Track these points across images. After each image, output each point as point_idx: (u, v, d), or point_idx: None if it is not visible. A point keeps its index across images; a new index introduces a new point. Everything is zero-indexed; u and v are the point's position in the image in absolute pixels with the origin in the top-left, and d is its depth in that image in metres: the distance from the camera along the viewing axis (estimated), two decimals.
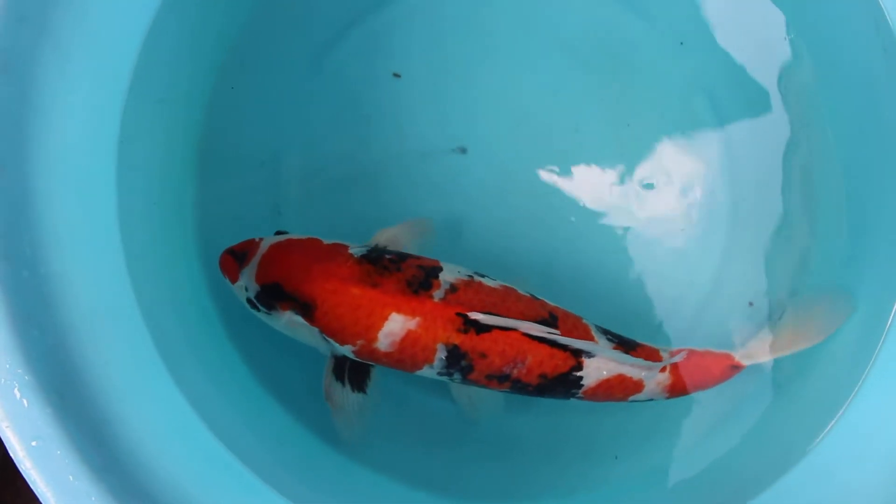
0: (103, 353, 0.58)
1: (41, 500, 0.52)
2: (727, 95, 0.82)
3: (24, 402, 0.53)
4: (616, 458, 0.77)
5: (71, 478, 0.52)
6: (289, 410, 0.74)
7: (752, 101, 0.81)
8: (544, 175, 0.82)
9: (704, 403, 0.76)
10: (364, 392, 0.71)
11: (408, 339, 0.65)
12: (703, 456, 0.75)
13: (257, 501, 0.62)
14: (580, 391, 0.69)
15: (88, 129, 0.63)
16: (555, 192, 0.82)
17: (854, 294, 0.71)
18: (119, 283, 0.63)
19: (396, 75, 0.82)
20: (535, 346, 0.65)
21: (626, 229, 0.82)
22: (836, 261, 0.76)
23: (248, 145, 0.80)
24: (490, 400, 0.73)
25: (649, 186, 0.82)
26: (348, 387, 0.70)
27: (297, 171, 0.81)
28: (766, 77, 0.81)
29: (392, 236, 0.72)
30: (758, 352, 0.73)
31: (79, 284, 0.59)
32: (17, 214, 0.57)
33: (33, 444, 0.52)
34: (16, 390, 0.53)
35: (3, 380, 0.53)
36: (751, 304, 0.80)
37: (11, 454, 0.52)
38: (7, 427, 0.52)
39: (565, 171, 0.82)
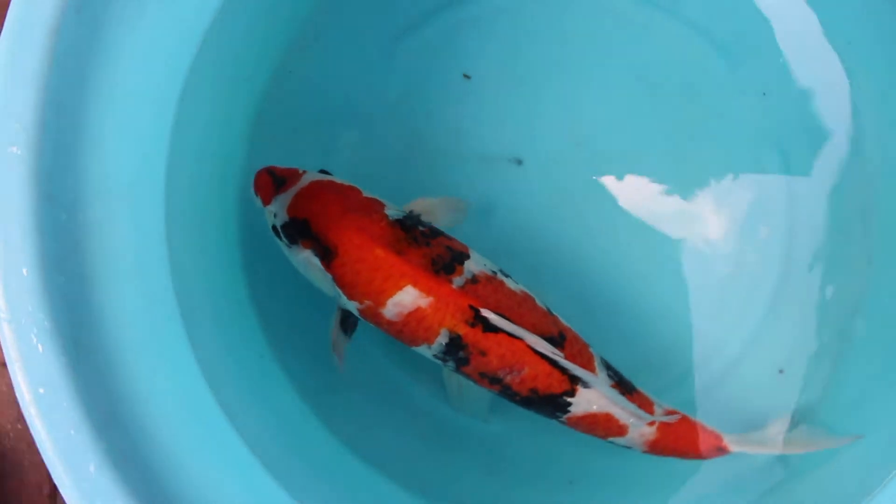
0: (126, 310, 0.57)
1: (39, 448, 0.52)
2: (800, 153, 0.80)
3: (40, 347, 0.52)
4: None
5: (72, 431, 0.52)
6: (296, 388, 0.74)
7: (824, 164, 0.79)
8: (595, 200, 0.80)
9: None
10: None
11: (415, 314, 0.64)
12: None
13: (258, 483, 0.62)
14: (564, 416, 0.68)
15: (152, 83, 0.62)
16: (603, 217, 0.80)
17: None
18: (154, 242, 0.62)
19: (466, 76, 0.81)
20: (535, 360, 0.64)
21: (669, 268, 0.80)
22: (880, 349, 0.74)
23: (305, 119, 0.79)
24: (478, 398, 0.72)
25: (701, 229, 0.80)
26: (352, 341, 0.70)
27: (349, 152, 0.80)
28: (842, 142, 0.79)
29: (428, 206, 0.71)
30: (750, 443, 0.71)
31: (114, 236, 0.58)
32: (66, 156, 0.56)
33: (41, 390, 0.52)
34: (33, 334, 0.52)
35: (23, 321, 0.52)
36: (781, 371, 0.78)
37: (18, 397, 0.52)
38: (19, 369, 0.52)
39: (618, 200, 0.80)
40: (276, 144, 0.78)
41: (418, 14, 0.80)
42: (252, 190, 0.68)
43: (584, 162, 0.81)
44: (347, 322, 0.69)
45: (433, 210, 0.71)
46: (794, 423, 0.73)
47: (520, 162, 0.81)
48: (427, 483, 0.75)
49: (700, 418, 0.73)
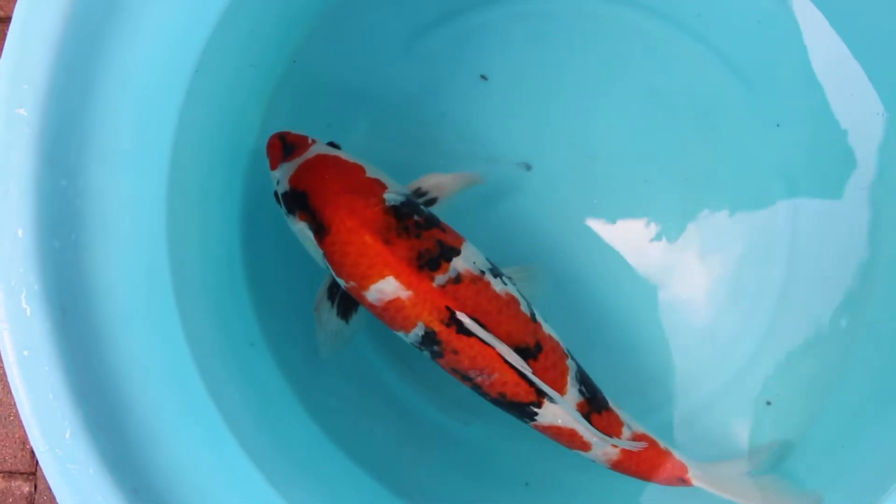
0: (118, 281, 0.58)
1: (19, 409, 0.52)
2: (807, 189, 0.79)
3: (27, 309, 0.53)
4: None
5: (51, 396, 0.52)
6: (284, 375, 0.74)
7: (832, 202, 0.79)
8: (598, 213, 0.80)
9: None
10: (346, 321, 0.71)
11: (394, 304, 0.65)
12: None
13: (233, 461, 0.62)
14: (531, 422, 0.69)
15: (167, 56, 0.62)
16: (604, 234, 0.80)
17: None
18: (153, 215, 0.62)
19: (483, 78, 0.80)
20: (505, 368, 0.65)
21: (666, 291, 0.80)
22: (868, 391, 0.73)
23: (318, 105, 0.79)
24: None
25: (702, 254, 0.80)
26: (335, 310, 0.70)
27: (359, 142, 0.80)
28: (853, 182, 0.78)
29: (439, 183, 0.71)
30: (713, 481, 0.71)
31: (113, 206, 0.59)
32: (73, 121, 0.56)
33: (25, 353, 0.52)
34: (23, 297, 0.53)
35: (13, 282, 0.53)
36: (768, 403, 0.78)
37: (3, 357, 0.52)
38: (5, 329, 0.52)
39: (621, 217, 0.80)
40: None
41: (441, 13, 0.80)
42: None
43: (591, 175, 0.81)
44: (333, 293, 0.70)
45: (445, 187, 0.71)
46: (766, 466, 0.73)
47: (529, 167, 0.80)
48: (405, 481, 0.75)
49: (679, 444, 0.72)
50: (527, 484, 0.77)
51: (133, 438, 0.56)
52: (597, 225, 0.80)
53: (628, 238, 0.80)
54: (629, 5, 0.80)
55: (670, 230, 0.80)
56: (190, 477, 0.58)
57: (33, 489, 0.95)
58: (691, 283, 0.80)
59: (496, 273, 0.68)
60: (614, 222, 0.80)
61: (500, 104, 0.80)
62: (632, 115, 0.81)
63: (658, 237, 0.80)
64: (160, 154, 0.63)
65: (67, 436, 0.52)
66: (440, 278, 0.64)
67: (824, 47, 0.77)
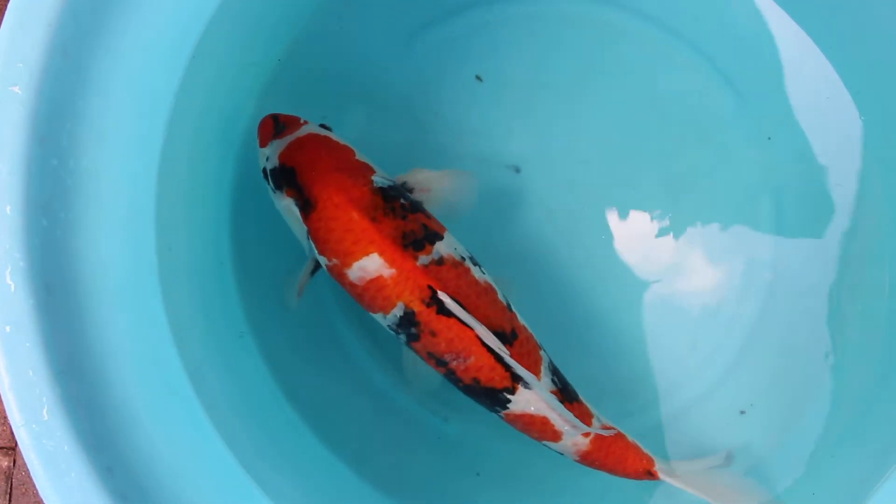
0: (103, 261, 0.58)
1: None
2: (794, 205, 0.80)
3: (11, 285, 0.53)
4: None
5: (31, 372, 0.53)
6: (268, 365, 0.74)
7: (817, 218, 0.79)
8: (586, 220, 0.81)
9: None
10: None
11: (376, 282, 0.65)
12: None
13: (210, 445, 0.62)
14: (502, 411, 0.69)
15: (165, 40, 0.62)
16: (591, 238, 0.81)
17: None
18: (143, 198, 0.62)
19: (479, 78, 0.81)
20: (481, 351, 0.65)
21: (650, 298, 0.81)
22: (843, 404, 0.74)
23: (312, 96, 0.80)
24: (430, 375, 0.72)
25: (687, 263, 0.81)
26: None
27: (351, 136, 0.79)
28: (838, 198, 0.79)
29: (425, 180, 0.71)
30: (680, 476, 0.72)
31: (102, 187, 0.59)
32: (66, 101, 0.57)
33: (7, 328, 0.53)
34: (7, 272, 0.53)
35: None
36: (742, 412, 0.79)
37: None
38: None
39: (608, 223, 0.81)
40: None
41: (441, 11, 0.81)
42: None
43: (581, 180, 0.81)
44: (316, 272, 0.71)
45: (431, 184, 0.71)
46: (733, 467, 0.74)
47: (517, 170, 0.81)
48: (381, 472, 0.76)
49: (654, 447, 0.73)
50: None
51: (110, 418, 0.57)
52: (584, 229, 0.81)
53: (615, 243, 0.81)
54: (629, 12, 0.81)
55: (656, 237, 0.81)
56: (165, 459, 0.58)
57: (12, 464, 0.95)
58: (675, 290, 0.81)
59: (475, 262, 0.69)
60: (601, 227, 0.81)
61: (493, 105, 0.81)
62: (625, 121, 0.81)
63: (644, 243, 0.81)
64: (153, 138, 0.64)
65: (45, 412, 0.53)
66: (423, 258, 0.65)
67: (815, 68, 0.78)
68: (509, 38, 0.81)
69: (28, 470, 0.85)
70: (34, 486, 0.55)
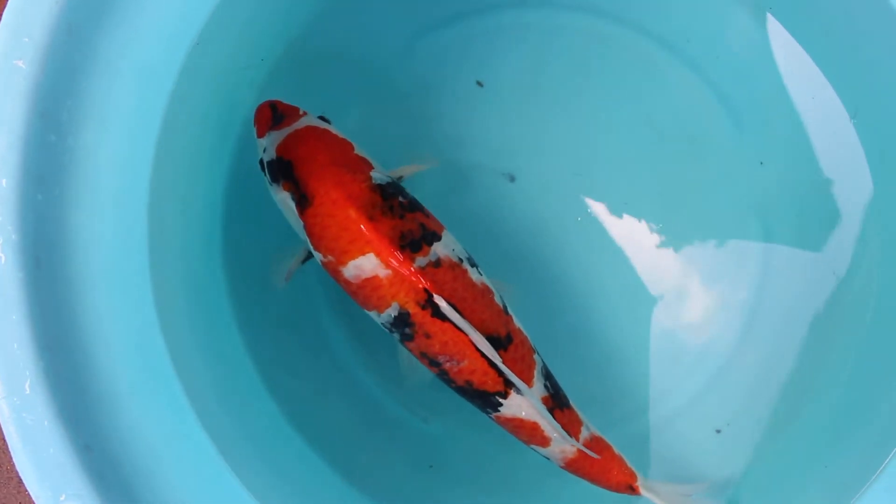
0: (95, 238, 0.58)
1: None
2: (783, 229, 0.81)
3: (2, 257, 0.53)
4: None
5: (16, 345, 0.53)
6: (252, 358, 0.75)
7: (804, 243, 0.80)
8: (578, 231, 0.81)
9: None
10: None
11: (371, 281, 0.65)
12: None
13: (189, 430, 0.63)
14: (493, 413, 0.69)
15: (168, 25, 0.62)
16: (582, 249, 0.82)
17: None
18: (138, 177, 0.62)
19: (480, 84, 0.81)
20: (475, 355, 0.65)
21: (637, 310, 0.82)
22: (820, 426, 0.75)
23: (312, 93, 0.80)
24: (423, 372, 0.72)
25: (675, 280, 0.81)
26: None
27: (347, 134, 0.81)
28: (827, 226, 0.80)
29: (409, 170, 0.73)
30: (661, 496, 0.73)
31: (99, 165, 0.59)
32: (69, 78, 0.57)
33: None
34: None
35: None
36: (718, 431, 0.79)
37: None
38: None
39: (600, 236, 0.81)
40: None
41: (444, 16, 0.81)
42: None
43: (575, 192, 0.82)
44: (307, 261, 0.71)
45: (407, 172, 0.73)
46: (710, 493, 0.75)
47: (512, 178, 0.81)
48: (360, 470, 0.76)
49: (630, 460, 0.74)
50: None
51: (92, 397, 0.57)
52: (575, 241, 0.81)
53: (604, 256, 0.81)
54: (626, 25, 0.81)
55: (645, 252, 0.82)
56: (144, 440, 0.58)
57: None
58: (661, 304, 0.82)
59: (472, 263, 0.69)
60: (591, 240, 0.81)
61: (490, 113, 0.82)
62: (620, 136, 0.82)
63: (633, 258, 0.81)
64: (152, 121, 0.63)
65: (27, 386, 0.53)
66: (420, 260, 0.65)
67: (814, 92, 0.79)
68: (511, 46, 0.82)
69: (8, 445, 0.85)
70: (10, 461, 0.55)
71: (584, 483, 0.73)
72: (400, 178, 0.71)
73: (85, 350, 0.57)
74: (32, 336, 0.54)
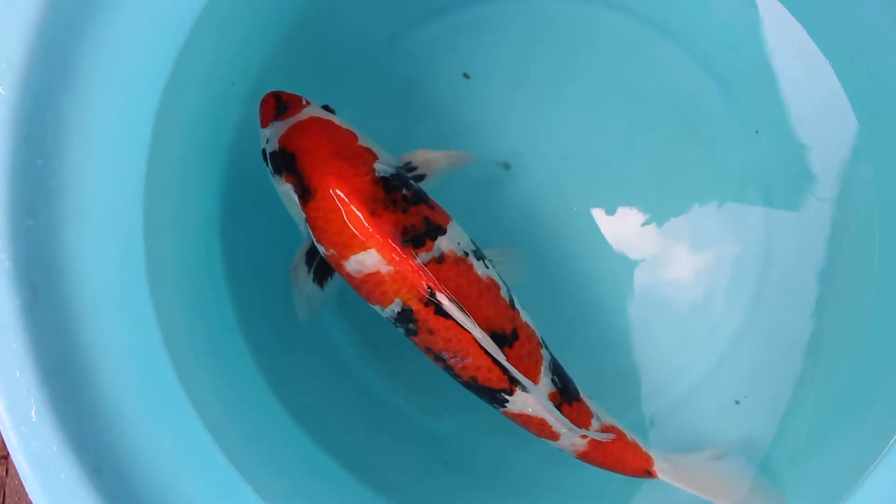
0: (90, 260, 0.58)
1: None
2: (783, 196, 0.80)
3: None
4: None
5: (18, 373, 0.52)
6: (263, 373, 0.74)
7: (806, 209, 0.79)
8: (576, 215, 0.81)
9: None
10: (321, 287, 0.70)
11: (374, 277, 0.64)
12: None
13: (197, 442, 0.62)
14: (500, 409, 0.69)
15: (149, 36, 0.62)
16: (580, 233, 0.81)
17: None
18: (130, 196, 0.62)
19: (466, 76, 0.81)
20: (479, 352, 0.64)
21: (641, 291, 0.81)
22: (837, 389, 0.74)
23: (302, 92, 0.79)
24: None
25: (677, 257, 0.81)
26: (311, 274, 0.70)
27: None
28: (828, 189, 0.79)
29: (429, 159, 0.70)
30: (678, 475, 0.72)
31: (89, 185, 0.59)
32: (50, 100, 0.56)
33: None
34: None
35: None
36: (737, 402, 0.78)
37: None
38: None
39: (597, 218, 0.81)
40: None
41: (422, 12, 0.80)
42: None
43: (570, 176, 0.81)
44: (311, 257, 0.69)
45: (434, 163, 0.70)
46: (732, 455, 0.74)
47: (507, 166, 0.81)
48: (373, 470, 0.75)
49: (652, 441, 0.73)
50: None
51: (99, 418, 0.56)
52: (571, 226, 0.81)
53: (602, 239, 0.81)
54: (611, 7, 0.81)
55: (644, 232, 0.81)
56: (155, 458, 0.58)
57: (5, 473, 0.94)
58: (666, 283, 0.81)
59: (479, 256, 0.68)
60: (589, 223, 0.81)
61: (479, 103, 0.81)
62: (610, 116, 0.82)
63: (632, 238, 0.81)
64: (141, 135, 0.63)
65: (33, 413, 0.52)
66: (423, 256, 0.64)
67: (803, 57, 0.78)
68: (495, 35, 0.81)
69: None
70: (23, 489, 0.54)
71: (603, 473, 0.73)
72: (408, 164, 0.69)
73: (89, 372, 0.57)
74: (34, 362, 0.53)
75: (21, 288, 0.53)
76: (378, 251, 0.63)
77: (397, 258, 0.63)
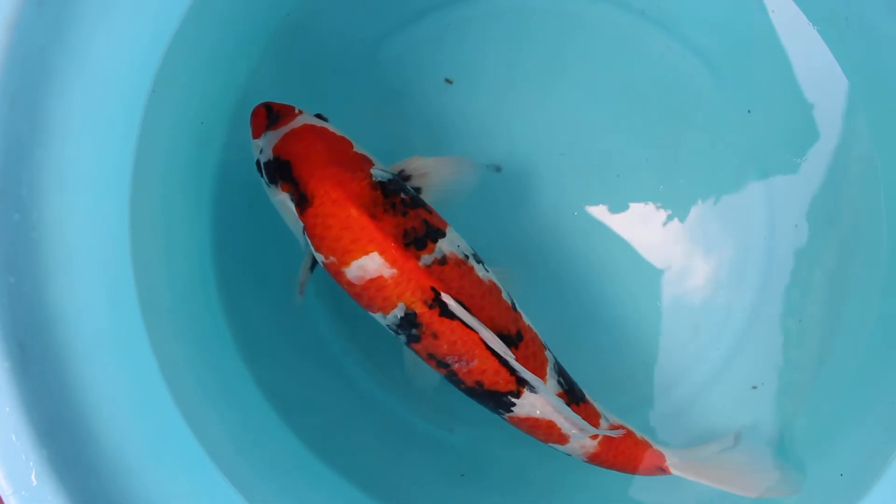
0: (79, 312, 0.56)
1: None
2: (782, 174, 0.79)
3: None
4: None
5: (14, 437, 0.51)
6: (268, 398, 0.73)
7: (806, 186, 0.78)
8: (573, 211, 0.79)
9: None
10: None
11: (376, 282, 0.63)
12: None
13: (208, 480, 0.61)
14: (506, 414, 0.67)
15: (119, 76, 0.60)
16: (580, 229, 0.79)
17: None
18: (116, 236, 0.61)
19: (448, 81, 0.79)
20: (486, 354, 0.63)
21: (647, 283, 0.79)
22: (849, 372, 0.73)
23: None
24: (430, 372, 0.70)
25: (680, 247, 0.79)
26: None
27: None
28: (826, 166, 0.77)
29: (422, 167, 0.69)
30: (692, 468, 0.71)
31: (71, 233, 0.57)
32: (20, 152, 0.55)
33: None
34: None
35: None
36: (754, 387, 0.77)
37: None
38: None
39: (596, 214, 0.79)
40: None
41: (403, 16, 0.79)
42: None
43: (564, 173, 0.80)
44: (315, 267, 0.69)
45: (428, 171, 0.69)
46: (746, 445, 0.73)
47: (498, 168, 0.79)
48: (388, 487, 0.74)
49: (663, 437, 0.72)
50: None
51: (104, 473, 0.55)
52: (572, 223, 0.79)
53: (603, 234, 0.79)
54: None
55: (646, 224, 0.79)
56: None
57: None
58: (672, 275, 0.79)
59: (478, 260, 0.67)
60: (589, 219, 0.79)
61: (467, 106, 0.79)
62: (600, 109, 0.80)
63: (634, 231, 0.79)
64: (120, 176, 0.62)
65: (33, 477, 0.51)
66: (426, 258, 0.63)
67: (792, 30, 0.76)
68: (475, 37, 0.80)
69: None
70: None
71: (619, 479, 0.72)
72: (401, 172, 0.69)
73: (88, 426, 0.55)
74: (30, 424, 0.52)
75: (9, 348, 0.52)
76: (381, 254, 0.62)
77: (400, 260, 0.62)
